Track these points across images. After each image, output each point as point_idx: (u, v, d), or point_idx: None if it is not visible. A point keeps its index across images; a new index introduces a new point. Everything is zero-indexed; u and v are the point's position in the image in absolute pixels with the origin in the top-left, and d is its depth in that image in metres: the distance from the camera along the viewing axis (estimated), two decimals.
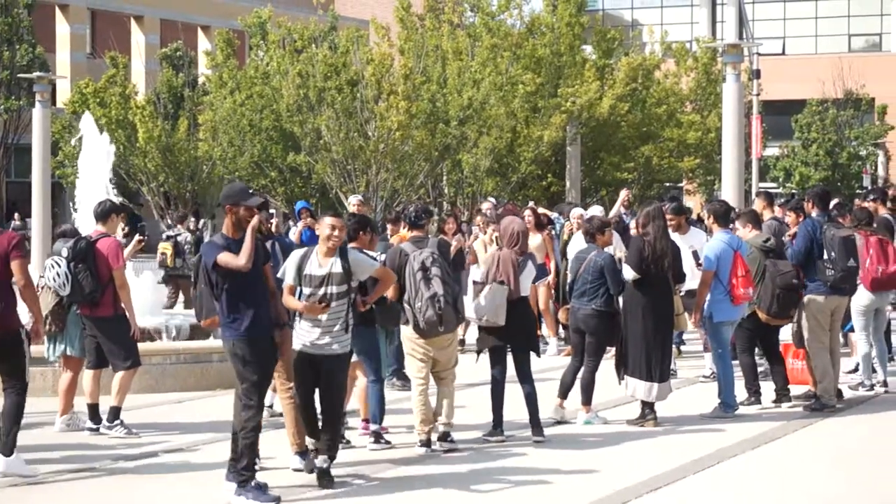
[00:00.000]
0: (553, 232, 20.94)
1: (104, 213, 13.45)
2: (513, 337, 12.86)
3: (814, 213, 15.11)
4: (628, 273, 13.54)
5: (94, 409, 13.32)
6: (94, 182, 17.73)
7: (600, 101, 40.49)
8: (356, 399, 12.70)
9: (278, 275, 10.96)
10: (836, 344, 15.12)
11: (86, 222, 15.87)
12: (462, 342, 18.88)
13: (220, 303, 10.38)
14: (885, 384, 16.07)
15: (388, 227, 18.10)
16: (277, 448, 11.68)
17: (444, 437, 12.40)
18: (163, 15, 62.12)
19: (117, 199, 15.83)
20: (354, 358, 12.02)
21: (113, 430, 13.11)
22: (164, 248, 24.41)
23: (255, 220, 10.35)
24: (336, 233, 10.88)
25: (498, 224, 19.20)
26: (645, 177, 43.36)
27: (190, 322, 17.30)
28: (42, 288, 13.30)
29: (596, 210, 19.54)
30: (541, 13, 43.65)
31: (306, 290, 10.81)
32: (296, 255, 11.00)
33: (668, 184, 48.72)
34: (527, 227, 13.68)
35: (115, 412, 13.17)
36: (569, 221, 20.24)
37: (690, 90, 45.54)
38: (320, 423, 10.93)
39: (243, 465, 10.23)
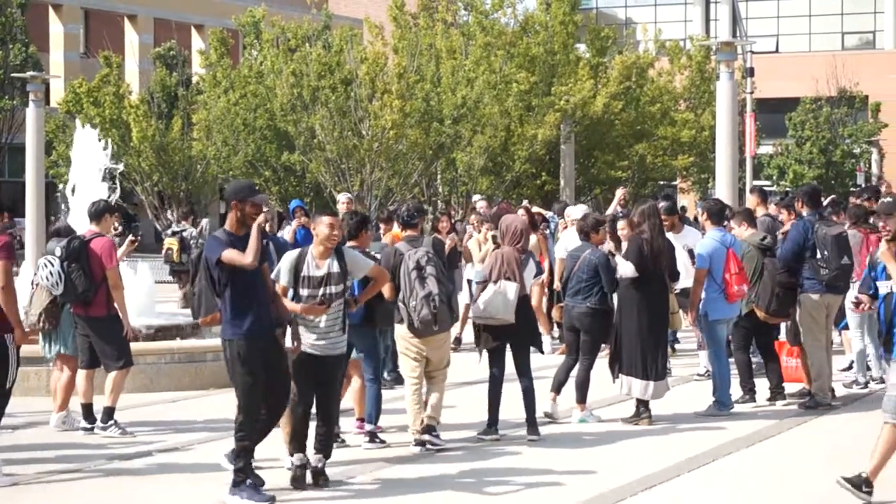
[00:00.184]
0: (548, 231, 20.96)
1: (98, 212, 13.43)
2: (515, 334, 12.86)
3: (804, 212, 15.08)
4: (628, 270, 13.51)
5: (87, 409, 13.31)
6: (89, 183, 17.70)
7: (594, 99, 40.51)
8: (350, 398, 12.69)
9: (272, 275, 10.87)
10: (829, 342, 15.14)
11: (80, 222, 15.84)
12: (458, 341, 18.88)
13: (221, 300, 10.28)
14: (881, 381, 16.08)
15: (381, 225, 18.10)
16: (272, 447, 11.67)
17: (429, 430, 12.30)
18: (156, 14, 62.07)
19: (113, 197, 15.86)
20: (354, 355, 12.04)
21: (107, 431, 13.10)
22: (170, 243, 24.45)
23: (261, 218, 10.26)
24: (335, 232, 10.87)
25: (492, 222, 19.25)
26: (639, 175, 43.40)
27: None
28: (36, 286, 13.29)
29: (579, 210, 19.49)
30: (534, 12, 43.68)
31: (304, 292, 10.74)
32: (290, 256, 10.91)
33: (662, 182, 48.75)
34: (528, 226, 13.67)
35: (108, 412, 13.16)
36: (562, 219, 20.26)
37: (684, 88, 45.58)
38: (315, 423, 10.92)
39: (238, 466, 10.21)
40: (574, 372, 13.90)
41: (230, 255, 10.05)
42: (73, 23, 60.86)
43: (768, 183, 55.61)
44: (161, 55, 54.58)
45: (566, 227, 19.53)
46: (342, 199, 20.19)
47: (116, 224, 16.17)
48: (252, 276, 10.15)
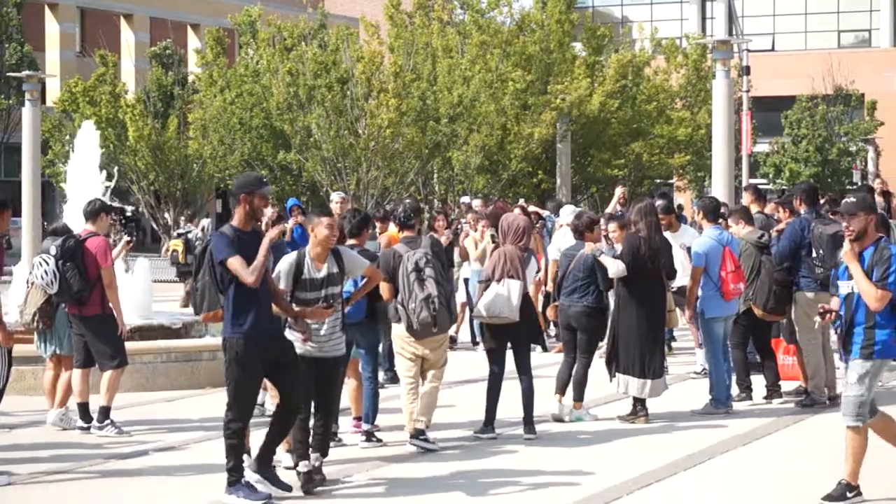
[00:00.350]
0: (544, 230, 20.96)
1: (93, 212, 13.41)
2: (518, 332, 12.85)
3: (802, 210, 15.09)
4: (619, 269, 13.50)
5: (84, 408, 13.29)
6: (86, 183, 17.69)
7: (590, 97, 40.53)
8: (346, 397, 12.67)
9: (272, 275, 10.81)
10: (827, 340, 15.13)
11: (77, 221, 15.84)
12: (453, 340, 18.89)
13: (224, 297, 10.23)
14: None
15: (378, 224, 18.08)
16: None
17: (417, 434, 12.22)
18: (152, 13, 62.05)
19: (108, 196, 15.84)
20: (354, 353, 12.05)
21: (103, 430, 13.08)
22: (175, 245, 24.49)
23: (274, 233, 10.19)
24: (335, 233, 10.87)
25: (487, 220, 19.23)
26: (635, 173, 43.42)
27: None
28: (31, 285, 13.28)
29: (569, 211, 19.45)
30: (530, 10, 43.69)
31: (306, 295, 10.67)
32: (289, 260, 10.80)
33: (658, 180, 48.77)
34: (530, 224, 13.67)
35: (104, 412, 13.14)
36: (559, 217, 20.24)
37: (680, 87, 45.59)
38: (314, 422, 10.91)
39: (230, 465, 10.19)
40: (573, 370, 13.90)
41: (235, 265, 9.94)
42: (69, 22, 60.83)
43: (764, 181, 55.65)
44: (157, 54, 54.61)
45: (561, 227, 19.52)
46: (336, 198, 20.17)
47: (124, 230, 16.21)
48: None
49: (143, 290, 18.49)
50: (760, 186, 20.61)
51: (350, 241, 12.34)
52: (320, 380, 10.81)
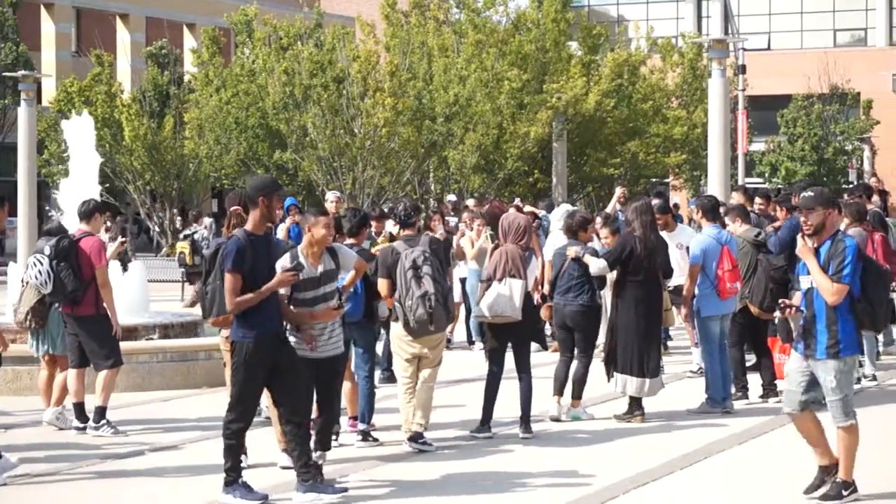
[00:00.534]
0: (540, 229, 20.93)
1: (88, 212, 13.40)
2: (519, 331, 12.85)
3: None
4: (598, 265, 13.50)
5: (80, 408, 13.28)
6: (82, 182, 17.69)
7: (586, 97, 40.54)
8: (343, 397, 12.66)
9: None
10: None
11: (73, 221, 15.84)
12: (448, 340, 18.87)
13: None
14: (873, 378, 16.11)
15: (373, 223, 18.07)
16: (267, 448, 11.67)
17: (415, 438, 12.23)
18: (148, 13, 61.96)
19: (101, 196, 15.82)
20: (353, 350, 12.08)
21: (99, 430, 13.06)
22: (182, 246, 24.52)
23: (286, 277, 10.13)
24: (332, 233, 10.90)
25: (483, 219, 19.23)
26: (631, 172, 43.43)
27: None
28: (25, 285, 13.27)
29: (560, 215, 19.45)
30: (526, 9, 43.71)
31: (304, 294, 10.66)
32: (284, 262, 10.80)
33: (654, 179, 48.78)
34: (531, 223, 13.67)
35: (100, 412, 13.12)
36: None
37: (676, 86, 45.62)
38: (317, 419, 10.92)
39: (228, 465, 10.19)
40: (572, 369, 13.90)
41: (230, 283, 9.91)
42: (65, 21, 60.74)
43: (760, 180, 55.66)
44: (153, 54, 54.51)
45: (553, 232, 19.52)
46: (331, 197, 20.18)
47: (108, 223, 16.17)
48: (264, 282, 10.08)
49: (139, 290, 18.49)
50: (748, 185, 20.63)
51: (348, 241, 12.37)
52: (321, 379, 10.82)
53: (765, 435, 13.12)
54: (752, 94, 50.83)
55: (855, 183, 43.98)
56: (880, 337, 18.07)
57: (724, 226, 15.19)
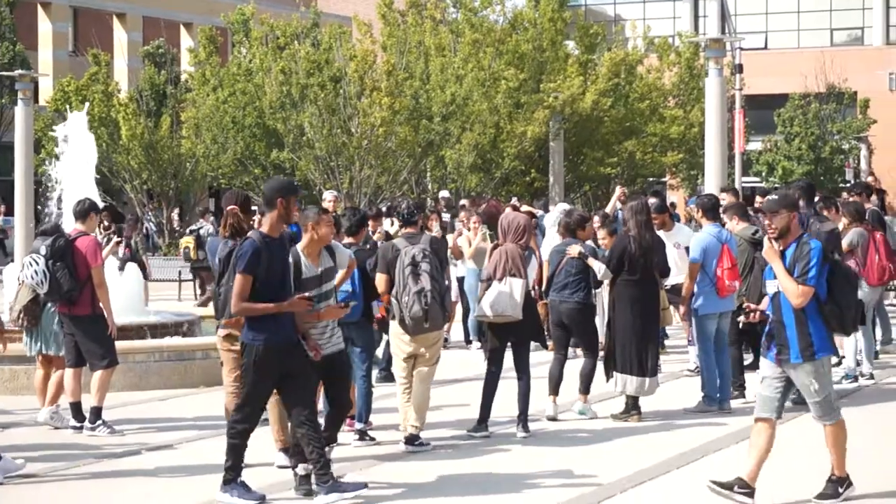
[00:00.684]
0: (537, 229, 20.92)
1: (83, 211, 13.39)
2: (520, 330, 12.84)
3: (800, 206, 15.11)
4: (602, 272, 13.54)
5: (76, 408, 13.27)
6: (80, 181, 17.66)
7: (583, 96, 40.56)
8: None
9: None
10: None
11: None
12: (445, 340, 18.87)
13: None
14: (871, 377, 16.11)
15: (371, 222, 18.08)
16: (264, 448, 11.66)
17: (411, 440, 12.23)
18: (145, 12, 61.97)
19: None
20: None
21: (96, 430, 13.05)
22: (187, 242, 24.53)
23: (298, 300, 10.07)
24: (334, 231, 10.91)
25: (479, 217, 19.23)
26: (628, 172, 43.46)
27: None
28: (21, 284, 13.26)
29: (554, 216, 19.46)
30: (523, 9, 43.72)
31: (307, 293, 10.65)
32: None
33: (651, 179, 48.78)
34: (530, 222, 13.67)
35: (96, 412, 13.11)
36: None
37: (673, 85, 45.65)
38: (327, 412, 10.92)
39: (228, 464, 10.18)
40: (578, 365, 13.93)
41: (240, 284, 9.85)
42: (62, 21, 60.73)
43: (757, 179, 55.67)
44: (150, 53, 54.54)
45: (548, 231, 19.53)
46: (328, 196, 20.17)
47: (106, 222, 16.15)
48: (276, 285, 10.02)
49: (137, 289, 18.48)
50: (744, 184, 20.63)
51: (347, 240, 12.38)
52: (329, 376, 10.79)
53: None
54: (748, 94, 50.74)
55: (852, 181, 44.02)
56: (878, 336, 18.09)
57: (723, 224, 15.20)
